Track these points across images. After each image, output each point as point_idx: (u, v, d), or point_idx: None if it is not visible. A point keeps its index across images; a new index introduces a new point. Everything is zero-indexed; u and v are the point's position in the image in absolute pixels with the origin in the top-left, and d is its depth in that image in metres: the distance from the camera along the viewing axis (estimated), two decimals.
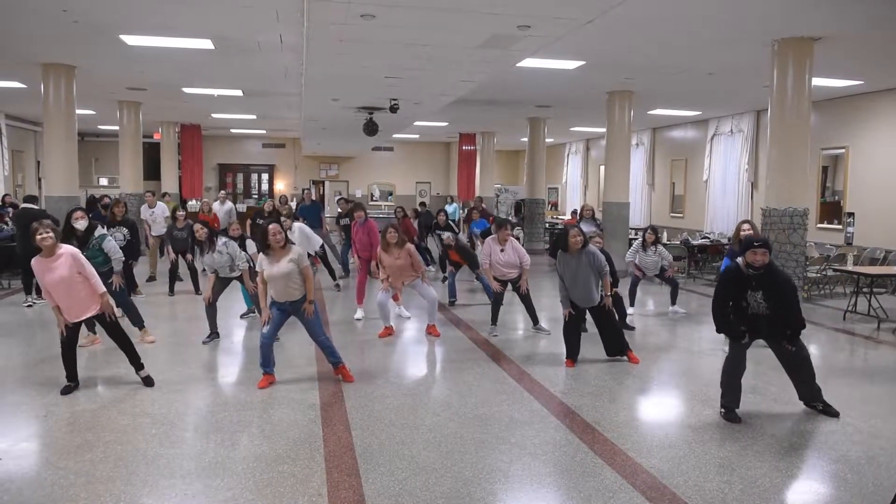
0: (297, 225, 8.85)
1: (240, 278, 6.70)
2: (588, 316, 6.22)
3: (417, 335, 7.28)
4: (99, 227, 6.46)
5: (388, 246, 6.75)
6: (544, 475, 3.79)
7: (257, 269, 5.31)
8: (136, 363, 5.29)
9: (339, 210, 11.13)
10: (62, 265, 4.83)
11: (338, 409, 4.80)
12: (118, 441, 4.15)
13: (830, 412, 4.76)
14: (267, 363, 5.32)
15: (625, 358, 6.17)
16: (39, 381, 5.40)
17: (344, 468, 3.82)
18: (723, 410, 4.76)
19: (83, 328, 5.80)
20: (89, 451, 4.01)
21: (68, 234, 6.09)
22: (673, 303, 8.59)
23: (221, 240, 6.54)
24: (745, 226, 6.46)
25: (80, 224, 6.20)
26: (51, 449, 4.08)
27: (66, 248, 4.94)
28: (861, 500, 3.52)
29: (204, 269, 6.78)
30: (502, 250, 7.02)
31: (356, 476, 3.72)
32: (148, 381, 5.26)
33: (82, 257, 5.01)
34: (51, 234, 4.79)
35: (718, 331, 4.87)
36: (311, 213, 11.74)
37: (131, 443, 4.13)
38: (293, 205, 15.21)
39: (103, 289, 5.07)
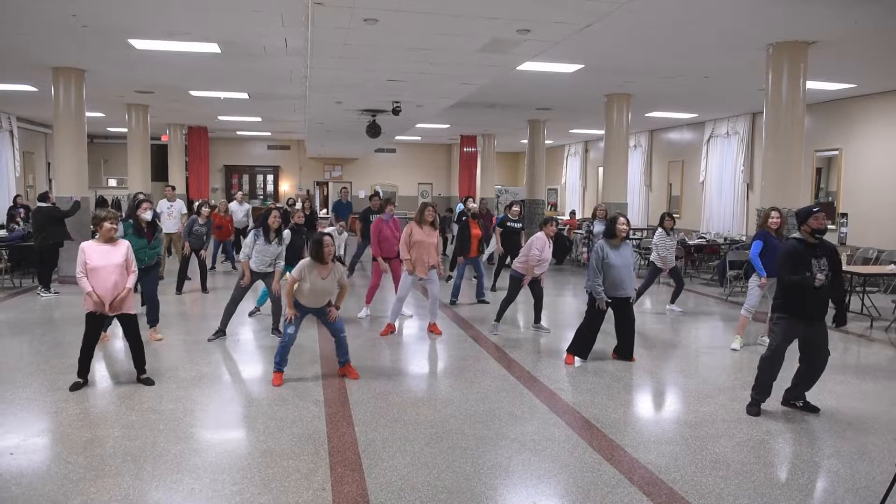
0: (346, 235, 9.71)
1: (265, 278, 6.79)
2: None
3: (419, 333, 7.37)
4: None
5: (424, 223, 6.98)
6: (544, 470, 3.86)
7: (294, 273, 5.33)
8: (141, 366, 5.39)
9: (372, 207, 11.06)
10: (120, 253, 5.17)
11: (341, 406, 4.88)
12: (127, 436, 4.23)
13: (810, 407, 4.87)
14: (282, 362, 5.44)
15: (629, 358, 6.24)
16: (50, 377, 5.47)
17: (347, 463, 3.89)
18: (752, 400, 4.86)
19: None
20: (99, 446, 4.08)
21: (137, 226, 6.53)
22: (672, 301, 8.69)
23: (284, 232, 6.78)
24: (774, 213, 6.66)
25: (147, 215, 6.58)
26: (61, 444, 4.15)
27: (124, 241, 5.33)
28: (854, 495, 3.58)
29: (229, 261, 6.81)
30: (549, 246, 7.14)
31: (359, 471, 3.79)
32: (148, 382, 5.34)
33: (132, 252, 5.34)
34: (116, 227, 5.22)
35: (793, 283, 4.60)
36: (343, 211, 12.09)
37: (139, 438, 4.20)
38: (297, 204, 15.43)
39: (132, 284, 5.32)
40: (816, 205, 4.85)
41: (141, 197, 7.05)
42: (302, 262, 5.35)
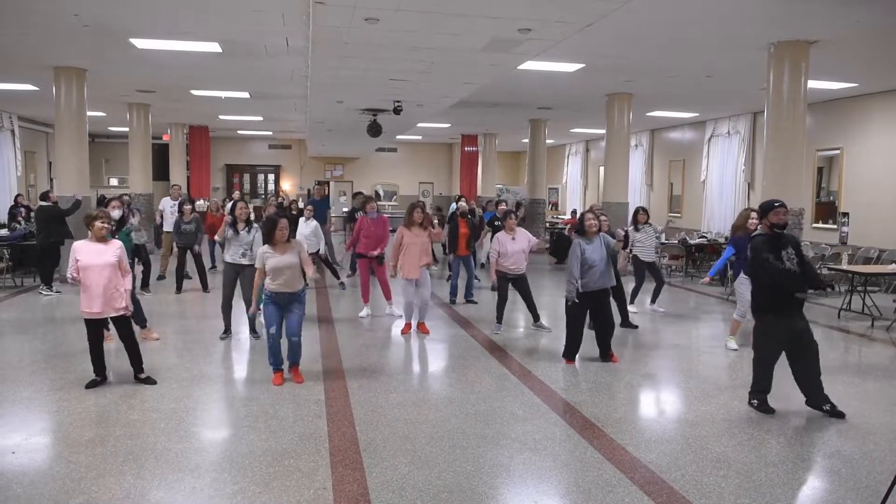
0: (314, 223, 9.56)
1: (243, 271, 6.80)
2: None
3: (420, 332, 7.36)
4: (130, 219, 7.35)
5: (413, 224, 7.04)
6: (545, 470, 3.87)
7: (257, 264, 5.38)
8: (138, 366, 5.40)
9: (355, 206, 11.47)
10: (111, 253, 5.19)
11: (342, 405, 4.89)
12: (128, 436, 4.24)
13: (836, 413, 4.76)
14: (277, 361, 5.43)
15: (608, 359, 6.21)
16: (51, 376, 5.50)
17: (348, 462, 3.90)
18: (755, 402, 4.89)
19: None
20: (100, 445, 4.10)
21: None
22: (653, 300, 8.64)
23: (255, 225, 6.92)
24: (754, 213, 6.63)
25: (115, 213, 6.79)
26: (63, 443, 4.16)
27: (118, 242, 5.37)
28: (855, 495, 3.59)
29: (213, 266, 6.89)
30: (513, 239, 7.17)
31: (360, 470, 3.80)
32: (148, 381, 5.35)
33: (125, 252, 5.39)
34: (108, 226, 5.33)
35: (769, 269, 4.69)
36: (319, 208, 12.12)
37: (141, 437, 4.22)
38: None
39: (129, 286, 5.39)
40: (776, 200, 4.88)
41: (112, 197, 7.45)
42: (259, 250, 5.41)
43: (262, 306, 5.43)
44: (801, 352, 4.80)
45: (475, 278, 10.56)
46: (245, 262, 6.75)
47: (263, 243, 5.41)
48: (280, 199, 14.50)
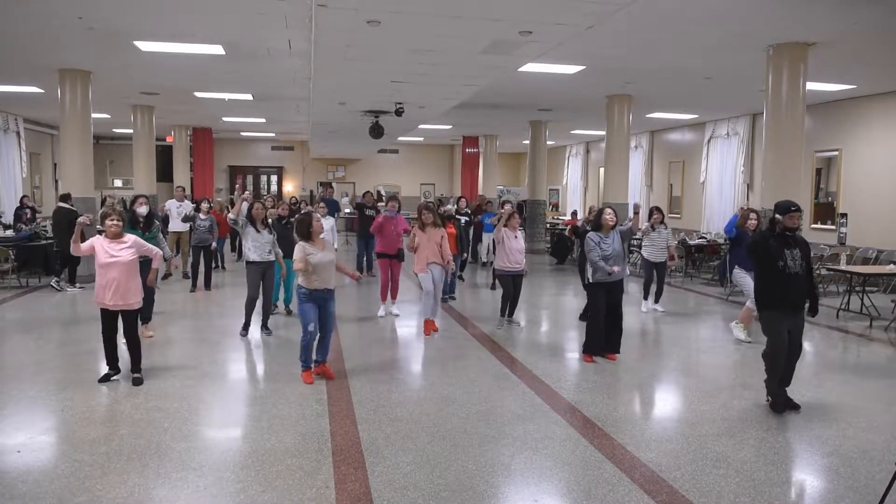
0: (332, 220, 9.71)
1: (268, 269, 6.95)
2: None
3: (420, 332, 7.39)
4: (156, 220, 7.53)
5: (425, 226, 7.25)
6: (545, 469, 3.89)
7: (296, 255, 5.33)
8: (136, 364, 5.45)
9: (365, 202, 11.67)
10: (126, 251, 5.23)
11: (345, 404, 4.92)
12: (132, 435, 4.27)
13: (792, 405, 4.86)
14: (309, 359, 5.48)
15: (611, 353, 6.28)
16: (57, 376, 5.53)
17: (351, 461, 3.93)
18: (769, 399, 4.93)
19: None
20: (104, 444, 4.12)
21: (133, 219, 6.75)
22: (656, 301, 8.69)
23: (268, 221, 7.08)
24: (753, 214, 6.93)
25: (143, 209, 6.90)
26: (67, 442, 4.19)
27: (131, 237, 5.36)
28: (854, 493, 3.61)
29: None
30: (516, 237, 7.36)
31: (362, 469, 3.83)
32: (137, 381, 5.35)
33: (144, 242, 5.46)
34: (118, 223, 5.28)
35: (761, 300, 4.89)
36: (329, 207, 12.32)
37: (145, 436, 4.24)
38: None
39: (161, 253, 5.53)
40: (794, 204, 4.91)
41: (139, 194, 7.51)
42: (297, 246, 5.41)
43: (297, 305, 5.48)
44: (789, 352, 4.85)
45: (460, 277, 10.66)
46: (272, 258, 6.95)
47: (300, 240, 5.39)
48: (292, 199, 14.80)
